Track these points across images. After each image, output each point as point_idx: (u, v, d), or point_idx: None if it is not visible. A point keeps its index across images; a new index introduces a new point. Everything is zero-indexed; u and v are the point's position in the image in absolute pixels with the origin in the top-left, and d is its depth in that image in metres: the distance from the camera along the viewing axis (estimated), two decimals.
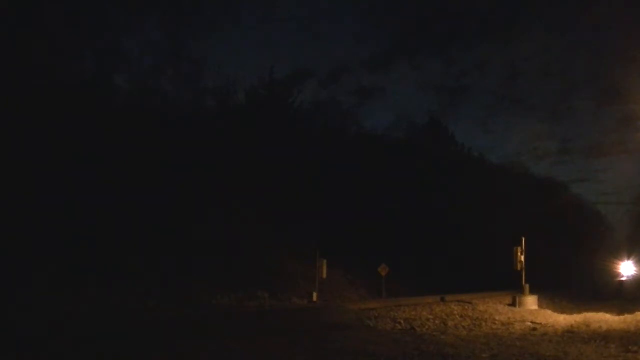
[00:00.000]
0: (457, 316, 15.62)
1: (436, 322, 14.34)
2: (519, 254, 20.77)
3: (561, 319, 16.46)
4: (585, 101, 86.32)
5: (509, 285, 23.46)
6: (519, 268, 20.88)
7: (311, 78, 64.59)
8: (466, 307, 17.88)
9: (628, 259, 46.42)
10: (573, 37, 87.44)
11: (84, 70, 21.90)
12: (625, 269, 45.68)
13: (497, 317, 15.97)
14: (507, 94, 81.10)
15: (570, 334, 12.50)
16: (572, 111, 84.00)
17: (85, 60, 22.47)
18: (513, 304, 20.06)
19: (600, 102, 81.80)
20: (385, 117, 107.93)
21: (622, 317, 16.73)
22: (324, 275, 19.70)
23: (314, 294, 19.08)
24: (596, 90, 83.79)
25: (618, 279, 44.96)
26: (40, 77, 18.63)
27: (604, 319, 16.18)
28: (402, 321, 14.03)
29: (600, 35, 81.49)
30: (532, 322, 15.43)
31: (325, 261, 19.54)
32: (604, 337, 11.75)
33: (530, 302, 20.90)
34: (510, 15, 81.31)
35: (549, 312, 19.37)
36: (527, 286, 21.27)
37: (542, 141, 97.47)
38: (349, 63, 78.03)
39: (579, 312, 19.75)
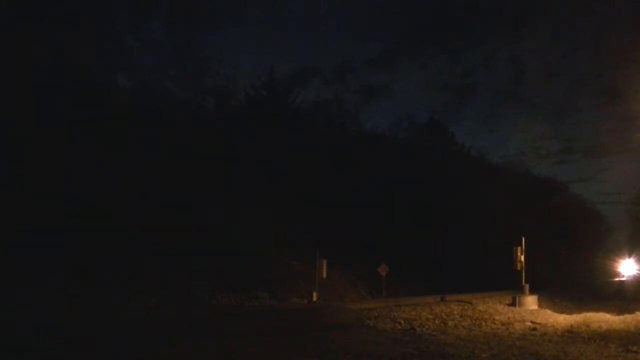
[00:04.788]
0: (457, 316, 15.62)
1: (436, 322, 14.34)
2: (519, 254, 20.78)
3: (561, 319, 16.47)
4: (588, 101, 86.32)
5: (509, 285, 23.46)
6: (519, 268, 20.90)
7: (316, 76, 64.57)
8: (466, 307, 17.88)
9: (629, 258, 46.40)
10: (577, 37, 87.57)
11: (86, 69, 21.89)
12: (626, 268, 45.66)
13: (497, 317, 15.98)
14: (512, 93, 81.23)
15: (570, 334, 12.51)
16: (575, 111, 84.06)
17: (88, 59, 22.46)
18: (513, 304, 20.06)
19: (603, 101, 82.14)
20: (390, 115, 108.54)
21: (622, 317, 16.74)
22: (324, 275, 19.69)
23: (314, 294, 19.07)
24: (600, 90, 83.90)
25: (618, 279, 44.94)
26: (43, 77, 18.63)
27: (604, 319, 16.19)
28: (402, 321, 14.04)
29: (603, 36, 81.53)
30: (532, 322, 15.44)
31: (325, 261, 19.53)
32: (604, 337, 11.77)
33: (530, 302, 20.91)
34: (515, 15, 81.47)
35: (549, 312, 19.38)
36: (527, 286, 21.28)
37: (545, 140, 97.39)
38: (354, 61, 78.11)
39: (579, 312, 19.76)
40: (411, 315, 15.22)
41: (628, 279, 43.20)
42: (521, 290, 21.10)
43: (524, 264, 20.85)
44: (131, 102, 23.71)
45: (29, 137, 16.64)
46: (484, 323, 14.73)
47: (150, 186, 19.56)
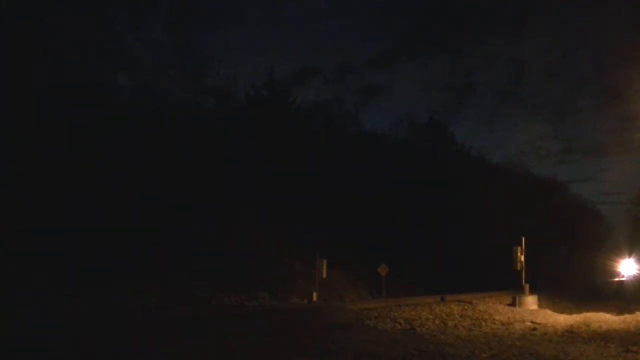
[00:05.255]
0: (457, 316, 15.62)
1: (436, 322, 14.34)
2: (519, 254, 20.76)
3: (561, 319, 16.46)
4: (588, 101, 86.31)
5: (509, 285, 23.46)
6: (519, 268, 20.88)
7: (316, 76, 64.59)
8: (466, 307, 17.88)
9: (629, 258, 46.37)
10: (577, 37, 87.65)
11: (86, 69, 21.89)
12: (626, 268, 45.62)
13: (497, 317, 15.97)
14: (512, 93, 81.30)
15: (570, 334, 12.51)
16: (575, 111, 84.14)
17: (88, 59, 22.46)
18: (513, 304, 20.05)
19: (603, 101, 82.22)
20: (390, 115, 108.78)
21: (622, 317, 16.74)
22: (324, 275, 19.68)
23: (314, 294, 19.06)
24: (600, 90, 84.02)
25: (618, 279, 44.92)
26: (43, 77, 18.63)
27: (604, 319, 16.18)
28: (402, 321, 14.03)
29: (603, 36, 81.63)
30: (532, 322, 15.44)
31: (325, 261, 19.53)
32: (604, 337, 11.77)
33: (530, 302, 20.90)
34: (515, 15, 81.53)
35: (549, 312, 19.37)
36: (527, 286, 21.27)
37: (545, 140, 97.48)
38: (354, 61, 78.15)
39: (579, 312, 19.74)
40: (411, 315, 15.21)
41: (628, 279, 43.16)
42: (521, 290, 21.08)
43: (524, 264, 20.83)
44: (131, 102, 23.71)
45: (29, 137, 16.64)
46: (484, 323, 14.73)
47: (150, 186, 19.56)
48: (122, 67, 27.52)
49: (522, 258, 20.76)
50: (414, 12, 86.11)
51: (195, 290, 17.07)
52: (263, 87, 28.87)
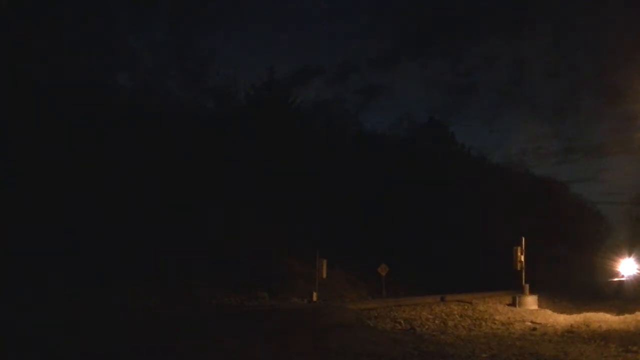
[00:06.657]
0: (457, 316, 15.63)
1: (436, 322, 14.35)
2: (519, 254, 20.77)
3: (561, 319, 16.47)
4: (589, 101, 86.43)
5: (509, 285, 23.46)
6: (519, 268, 20.89)
7: (317, 76, 64.54)
8: (466, 307, 17.88)
9: (629, 258, 46.36)
10: (577, 37, 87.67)
11: (86, 69, 21.90)
12: (626, 268, 45.60)
13: (497, 317, 15.98)
14: (512, 93, 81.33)
15: (570, 334, 12.52)
16: (575, 111, 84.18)
17: (88, 59, 22.46)
18: (513, 304, 20.06)
19: (603, 102, 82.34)
20: (390, 115, 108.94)
21: (622, 317, 16.75)
22: (324, 275, 19.67)
23: (314, 294, 19.06)
24: (600, 90, 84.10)
25: (618, 278, 44.92)
26: (43, 77, 18.64)
27: (604, 319, 16.19)
28: (402, 321, 14.04)
29: (603, 36, 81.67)
30: (532, 322, 15.45)
31: (325, 261, 19.52)
32: (604, 337, 11.77)
33: (530, 302, 20.92)
34: (515, 15, 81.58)
35: (549, 312, 19.38)
36: (527, 286, 21.28)
37: (546, 140, 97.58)
38: (355, 61, 78.07)
39: (579, 312, 19.75)
40: (411, 315, 15.21)
41: (628, 278, 43.15)
42: (521, 290, 21.09)
43: (524, 264, 20.84)
44: (131, 102, 23.71)
45: (29, 137, 16.64)
46: (484, 323, 14.74)
47: (150, 186, 19.56)
48: (122, 67, 27.52)
49: (522, 258, 20.77)
50: (414, 12, 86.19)
51: (195, 290, 17.06)
52: (263, 87, 28.88)
